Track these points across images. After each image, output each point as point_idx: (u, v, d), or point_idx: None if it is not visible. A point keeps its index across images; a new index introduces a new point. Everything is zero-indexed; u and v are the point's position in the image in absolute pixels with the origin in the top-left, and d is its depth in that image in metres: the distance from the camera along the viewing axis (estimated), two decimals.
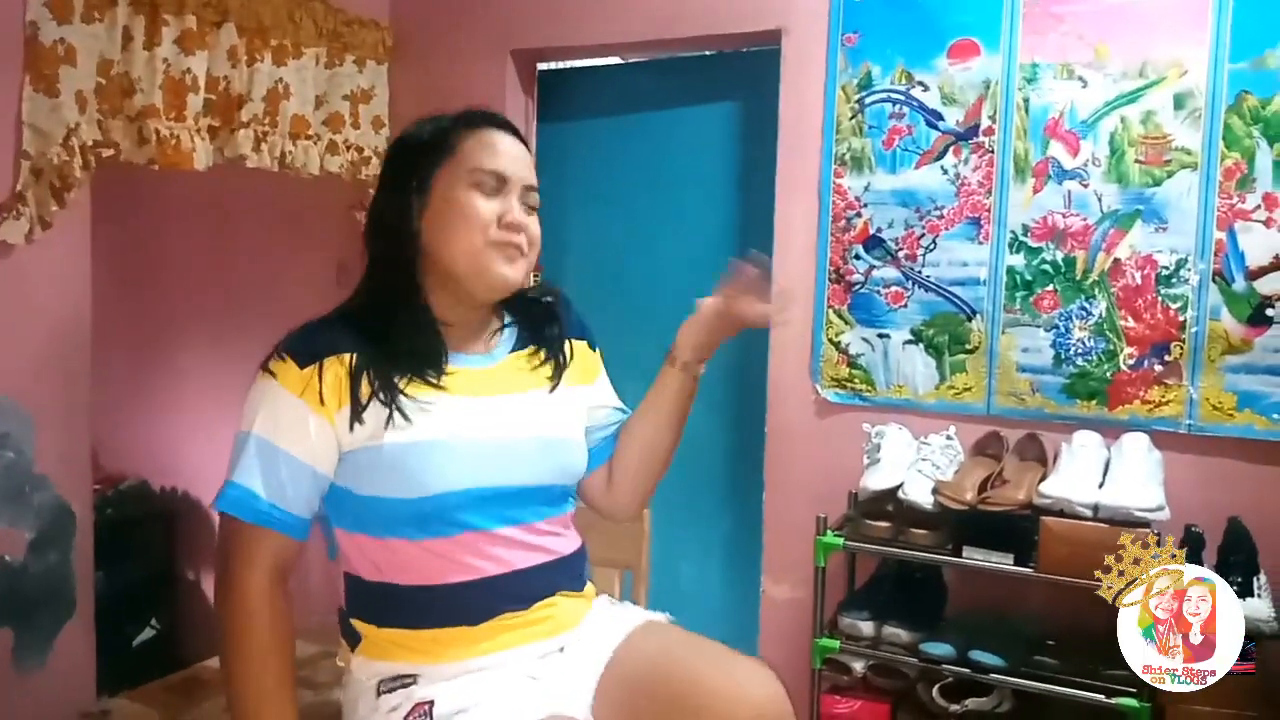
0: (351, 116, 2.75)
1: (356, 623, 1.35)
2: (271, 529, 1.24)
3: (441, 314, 1.36)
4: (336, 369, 1.27)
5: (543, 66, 2.97)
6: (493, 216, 1.32)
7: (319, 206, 2.96)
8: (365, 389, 1.27)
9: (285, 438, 1.25)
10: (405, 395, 1.28)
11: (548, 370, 1.44)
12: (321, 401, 1.25)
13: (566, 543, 1.42)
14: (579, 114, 2.96)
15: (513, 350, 1.43)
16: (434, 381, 1.31)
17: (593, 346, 1.55)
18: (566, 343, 1.48)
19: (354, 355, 1.27)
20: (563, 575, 1.39)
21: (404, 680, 1.31)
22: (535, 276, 1.46)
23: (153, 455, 3.45)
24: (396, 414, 1.26)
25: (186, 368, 3.41)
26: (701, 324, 1.46)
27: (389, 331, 1.31)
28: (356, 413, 1.26)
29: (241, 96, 2.40)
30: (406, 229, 1.33)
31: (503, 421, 1.34)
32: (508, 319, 1.45)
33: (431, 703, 1.27)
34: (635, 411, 1.54)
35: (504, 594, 1.32)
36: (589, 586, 1.47)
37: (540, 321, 1.46)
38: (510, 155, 1.35)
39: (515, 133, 1.40)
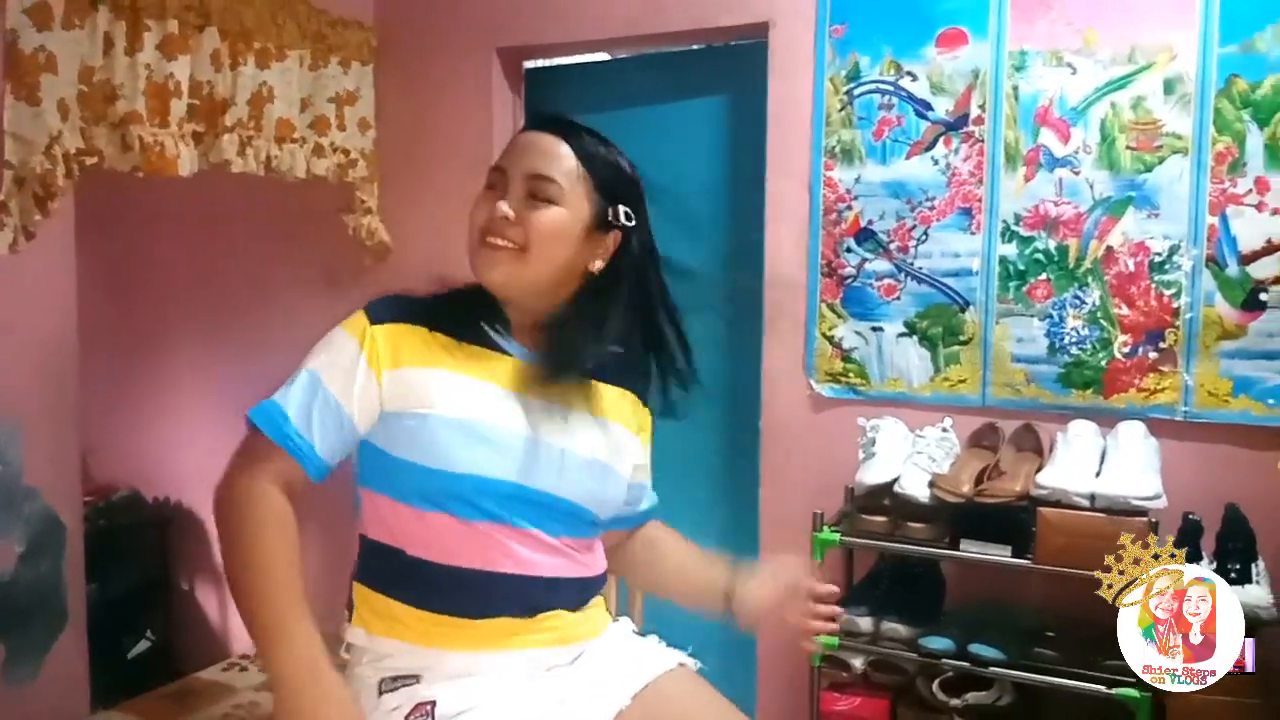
0: (337, 119, 2.74)
1: (360, 587, 1.35)
2: (287, 451, 1.25)
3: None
4: (405, 332, 1.31)
5: (529, 64, 2.95)
6: (480, 215, 1.35)
7: (306, 210, 2.95)
8: (427, 354, 1.31)
9: (333, 379, 1.28)
10: (462, 373, 1.31)
11: (604, 400, 1.42)
12: (378, 358, 1.29)
13: (592, 564, 1.41)
14: (567, 111, 2.92)
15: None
16: (495, 340, 1.35)
17: (644, 401, 1.52)
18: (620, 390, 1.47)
19: (426, 327, 1.33)
20: (573, 595, 1.37)
21: (405, 680, 1.29)
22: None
23: (145, 464, 3.44)
24: (447, 386, 1.29)
25: (176, 375, 3.40)
26: (768, 599, 1.46)
27: (454, 301, 1.37)
28: (410, 374, 1.29)
29: (225, 101, 2.38)
30: None
31: (551, 427, 1.34)
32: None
33: (433, 703, 1.25)
34: (669, 564, 1.57)
35: (511, 594, 1.31)
36: (596, 600, 1.45)
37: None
38: (518, 147, 1.37)
39: (555, 127, 1.39)
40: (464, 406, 1.29)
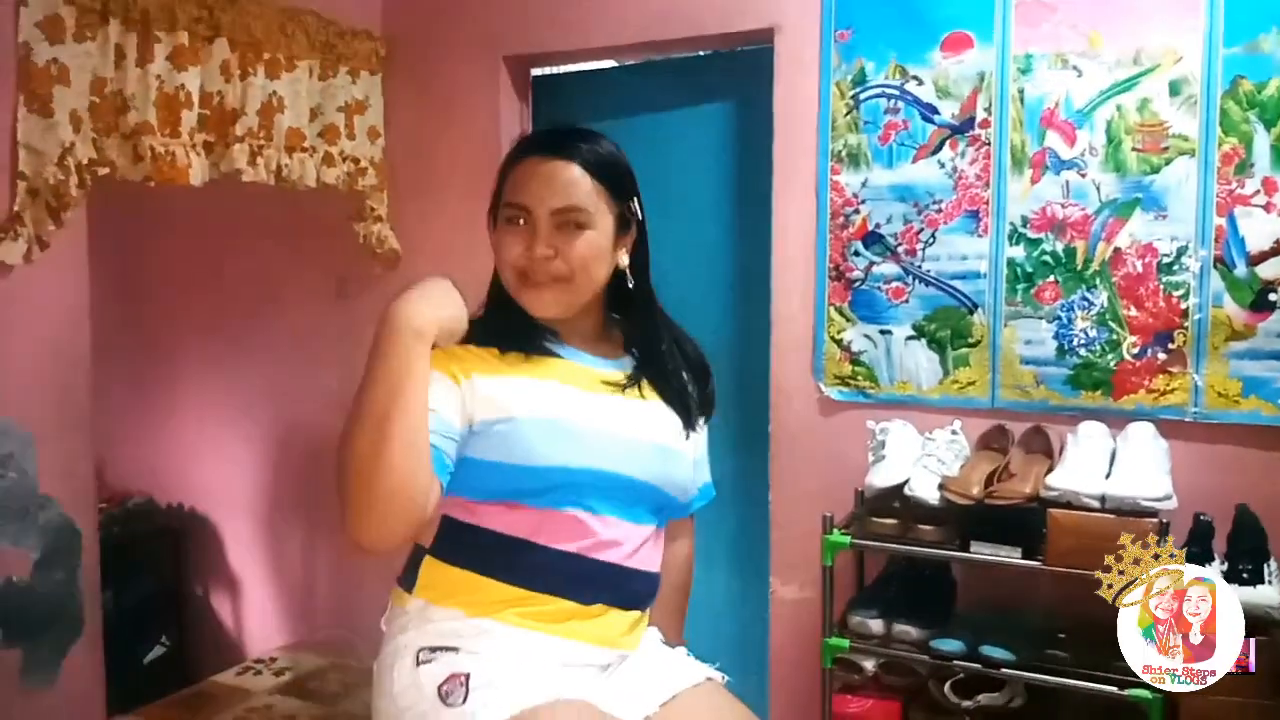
0: (347, 128, 2.75)
1: (432, 560, 1.37)
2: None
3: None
4: (474, 351, 1.36)
5: (537, 71, 2.96)
6: (515, 254, 1.37)
7: (317, 219, 2.96)
8: (499, 367, 1.35)
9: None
10: (533, 378, 1.36)
11: (668, 394, 1.47)
12: (454, 371, 1.32)
13: (653, 561, 1.44)
14: (575, 118, 2.94)
15: (636, 370, 1.47)
16: (547, 349, 1.39)
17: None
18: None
19: (493, 348, 1.37)
20: (629, 589, 1.40)
21: (443, 650, 1.32)
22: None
23: (159, 472, 3.46)
24: (523, 390, 1.34)
25: (189, 383, 3.42)
26: None
27: (499, 319, 1.40)
28: (487, 384, 1.33)
29: (235, 111, 2.40)
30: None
31: (617, 417, 1.39)
32: (633, 350, 1.49)
33: (468, 675, 1.28)
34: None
35: (576, 575, 1.34)
36: (644, 612, 1.46)
37: (657, 357, 1.49)
38: (536, 180, 1.37)
39: (563, 149, 1.38)
40: (542, 408, 1.34)
